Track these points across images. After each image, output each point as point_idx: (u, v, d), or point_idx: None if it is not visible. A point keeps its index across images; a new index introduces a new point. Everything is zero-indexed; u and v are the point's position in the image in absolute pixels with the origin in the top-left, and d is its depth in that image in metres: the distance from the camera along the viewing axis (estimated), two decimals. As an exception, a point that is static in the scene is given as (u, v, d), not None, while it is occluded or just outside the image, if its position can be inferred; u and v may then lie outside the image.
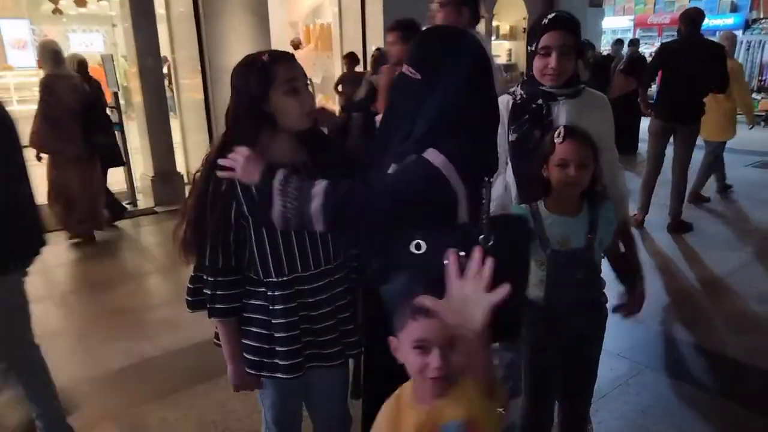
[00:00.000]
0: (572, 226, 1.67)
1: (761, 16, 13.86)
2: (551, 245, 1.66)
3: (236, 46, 5.75)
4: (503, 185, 1.93)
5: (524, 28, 8.87)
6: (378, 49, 5.85)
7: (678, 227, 4.68)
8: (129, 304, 3.61)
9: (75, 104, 4.35)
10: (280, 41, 8.66)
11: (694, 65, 4.40)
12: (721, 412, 2.42)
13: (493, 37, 8.65)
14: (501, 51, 9.14)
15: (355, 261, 1.55)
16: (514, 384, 2.00)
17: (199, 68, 5.85)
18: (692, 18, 4.52)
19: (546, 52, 1.73)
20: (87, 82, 4.69)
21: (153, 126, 5.64)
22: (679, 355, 2.92)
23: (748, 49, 10.80)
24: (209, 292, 1.41)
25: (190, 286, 1.47)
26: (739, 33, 11.02)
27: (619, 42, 8.98)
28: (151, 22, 5.45)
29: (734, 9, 12.66)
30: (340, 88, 6.42)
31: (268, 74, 1.32)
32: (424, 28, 1.74)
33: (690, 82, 4.42)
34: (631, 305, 1.83)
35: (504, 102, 1.88)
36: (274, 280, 1.41)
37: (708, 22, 5.40)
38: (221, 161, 1.30)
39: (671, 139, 4.67)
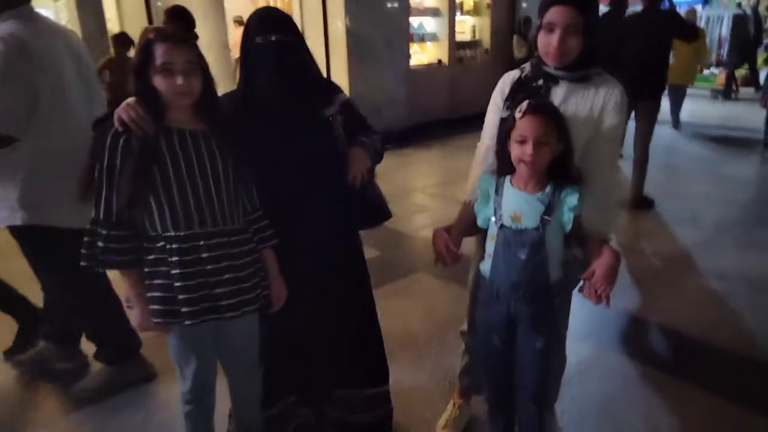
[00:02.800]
0: (528, 203, 1.61)
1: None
2: (502, 219, 1.62)
3: (188, 21, 5.49)
4: (490, 155, 1.81)
5: (488, 4, 8.73)
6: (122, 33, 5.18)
7: (640, 203, 4.69)
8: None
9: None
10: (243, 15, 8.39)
11: (647, 40, 4.38)
12: (687, 395, 2.38)
13: (457, 13, 8.49)
14: (465, 27, 8.97)
15: (258, 223, 1.69)
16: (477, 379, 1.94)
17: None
18: None
19: (550, 29, 1.61)
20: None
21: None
22: (644, 336, 2.90)
23: (707, 24, 10.92)
24: (101, 245, 1.51)
25: (86, 239, 1.53)
26: (698, 8, 11.13)
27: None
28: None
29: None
30: (106, 76, 4.82)
31: (148, 52, 1.45)
32: None
33: (645, 57, 4.40)
34: (596, 280, 1.55)
35: (510, 76, 1.80)
36: (171, 234, 1.52)
37: (670, -2, 5.50)
38: (118, 113, 1.47)
39: (632, 115, 4.65)
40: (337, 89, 1.90)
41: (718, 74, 10.68)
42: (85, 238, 1.53)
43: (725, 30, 10.70)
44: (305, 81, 1.75)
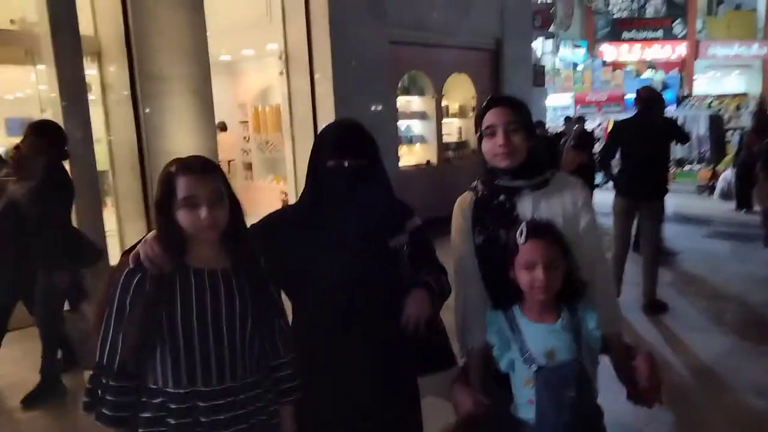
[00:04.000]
0: (555, 335, 1.48)
1: (689, 93, 14.82)
2: (536, 360, 1.48)
3: (178, 129, 5.42)
4: (472, 293, 1.68)
5: (473, 107, 8.97)
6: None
7: (654, 308, 4.45)
8: None
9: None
10: (229, 124, 8.46)
11: (649, 143, 4.36)
12: None
13: (444, 116, 8.67)
14: (451, 129, 9.17)
15: (281, 372, 1.51)
16: None
17: (137, 152, 5.45)
18: (642, 98, 4.52)
19: (491, 131, 1.61)
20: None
21: (84, 216, 5.11)
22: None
23: (683, 123, 11.30)
24: (100, 395, 1.36)
25: (88, 386, 1.40)
26: (672, 108, 11.60)
27: (569, 119, 9.19)
28: (83, 107, 5.07)
29: (665, 87, 13.42)
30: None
31: (170, 186, 1.35)
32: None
33: (648, 159, 4.35)
34: (645, 391, 1.59)
35: (466, 200, 1.69)
36: (171, 390, 1.36)
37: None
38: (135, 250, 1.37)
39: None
40: (410, 213, 1.72)
41: (699, 170, 10.92)
42: (87, 384, 1.40)
43: (702, 129, 11.07)
44: (376, 209, 1.58)
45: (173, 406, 1.35)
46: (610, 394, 1.60)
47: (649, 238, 4.52)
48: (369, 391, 1.57)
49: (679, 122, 10.84)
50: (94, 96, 5.72)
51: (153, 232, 1.40)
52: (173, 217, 1.35)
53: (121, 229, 6.10)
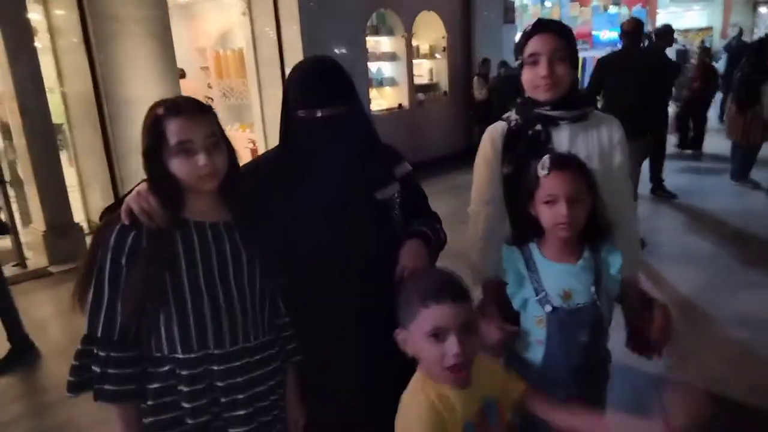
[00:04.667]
0: (574, 275, 1.41)
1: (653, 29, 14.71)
2: (551, 301, 1.41)
3: (137, 75, 5.08)
4: (492, 222, 1.62)
5: (443, 47, 8.73)
6: None
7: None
8: (16, 409, 2.84)
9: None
10: (188, 70, 8.01)
11: (636, 77, 4.28)
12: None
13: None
14: (422, 71, 8.92)
15: (285, 332, 1.41)
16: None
17: (95, 101, 5.11)
18: (627, 32, 4.48)
19: (534, 60, 1.50)
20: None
21: (41, 172, 4.82)
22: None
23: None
24: (98, 370, 1.20)
25: (75, 362, 1.23)
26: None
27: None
28: (31, 52, 4.67)
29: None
30: None
31: (159, 131, 1.18)
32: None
33: (634, 94, 4.26)
34: (657, 340, 1.51)
35: (498, 130, 1.61)
36: (181, 356, 1.23)
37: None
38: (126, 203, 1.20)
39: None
40: (398, 158, 1.57)
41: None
42: (73, 362, 1.23)
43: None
44: (360, 160, 1.42)
45: (184, 373, 1.24)
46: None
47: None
48: (365, 355, 1.46)
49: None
50: (40, 44, 5.29)
51: (143, 184, 1.24)
52: (165, 167, 1.20)
53: (82, 185, 5.82)
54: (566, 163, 1.39)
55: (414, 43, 8.40)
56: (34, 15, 5.25)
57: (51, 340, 3.57)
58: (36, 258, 4.90)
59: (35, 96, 4.68)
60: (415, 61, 8.47)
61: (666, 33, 5.39)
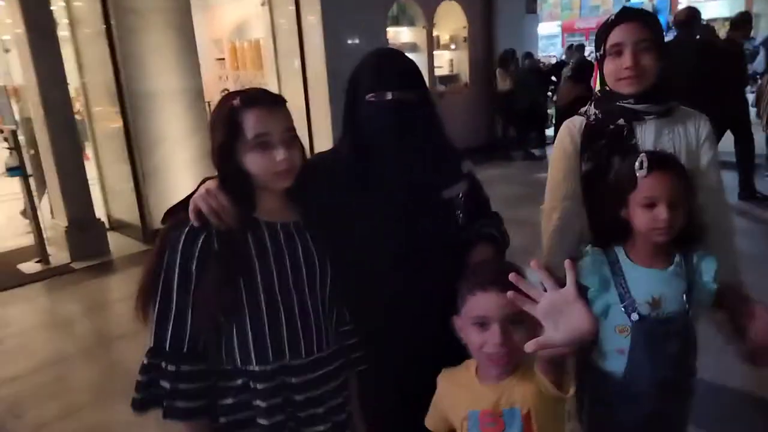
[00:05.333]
0: (664, 282, 1.31)
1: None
2: (638, 308, 1.32)
3: (159, 67, 4.99)
4: (567, 219, 1.53)
5: (464, 38, 8.56)
6: None
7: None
8: (46, 412, 2.76)
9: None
10: (202, 62, 7.92)
11: (698, 70, 4.11)
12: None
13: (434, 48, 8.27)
14: (442, 62, 8.77)
15: (350, 339, 1.34)
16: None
17: (116, 94, 5.02)
18: (679, 21, 4.28)
19: (618, 50, 1.41)
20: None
21: (63, 165, 4.74)
22: None
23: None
24: (168, 386, 1.11)
25: (140, 378, 1.13)
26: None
27: (571, 47, 8.86)
28: (54, 44, 4.59)
29: (655, 12, 13.09)
30: None
31: (234, 123, 1.11)
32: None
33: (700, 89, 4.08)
34: (762, 346, 1.29)
35: (576, 124, 1.52)
36: (256, 369, 1.15)
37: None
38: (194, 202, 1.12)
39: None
40: (461, 156, 1.48)
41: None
42: (139, 377, 1.14)
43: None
44: (431, 154, 1.33)
45: (260, 387, 1.15)
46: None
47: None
48: (432, 361, 1.35)
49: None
50: (61, 33, 5.21)
51: (212, 181, 1.16)
52: (239, 162, 1.12)
53: (102, 178, 5.76)
54: (667, 163, 1.30)
55: (434, 33, 8.25)
56: (55, 6, 5.17)
57: (78, 340, 3.49)
58: (58, 254, 4.84)
59: (58, 89, 4.61)
60: (435, 52, 8.32)
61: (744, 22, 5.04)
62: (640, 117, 1.45)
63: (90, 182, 5.11)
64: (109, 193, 5.75)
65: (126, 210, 5.42)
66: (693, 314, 1.34)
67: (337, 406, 1.25)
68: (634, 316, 1.32)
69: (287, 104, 1.18)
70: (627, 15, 1.43)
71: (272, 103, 1.14)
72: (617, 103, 1.46)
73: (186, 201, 1.15)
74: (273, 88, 6.80)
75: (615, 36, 1.42)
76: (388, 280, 1.35)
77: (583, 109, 1.56)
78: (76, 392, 2.92)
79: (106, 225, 5.29)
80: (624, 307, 1.33)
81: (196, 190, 1.16)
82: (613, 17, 1.45)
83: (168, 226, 1.16)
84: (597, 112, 1.51)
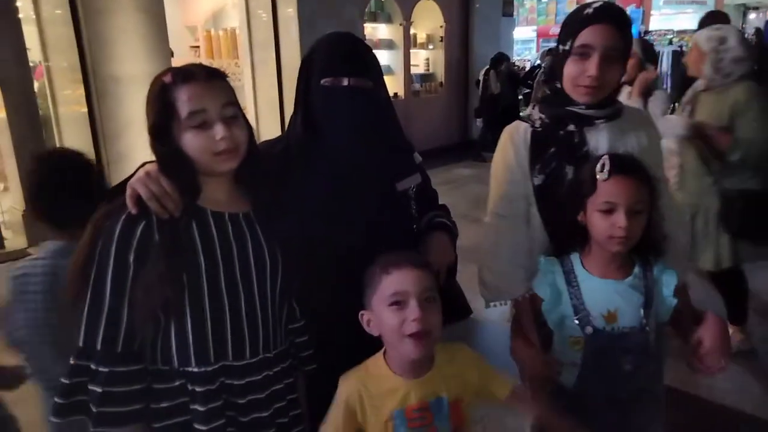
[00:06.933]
0: (621, 294, 1.25)
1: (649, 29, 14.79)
2: (592, 321, 1.23)
3: (127, 50, 4.84)
4: (511, 236, 1.44)
5: (441, 37, 8.56)
6: None
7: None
8: None
9: None
10: (176, 49, 7.75)
11: None
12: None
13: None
14: (418, 60, 8.75)
15: (300, 337, 1.25)
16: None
17: (80, 77, 4.85)
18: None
19: (583, 53, 1.27)
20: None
21: (22, 148, 4.56)
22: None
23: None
24: (99, 390, 0.99)
25: (65, 381, 1.01)
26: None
27: (549, 52, 8.91)
28: (15, 22, 4.40)
29: (629, 22, 13.30)
30: None
31: (167, 102, 1.02)
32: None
33: None
34: (710, 354, 1.23)
35: (519, 131, 1.39)
36: (195, 370, 1.05)
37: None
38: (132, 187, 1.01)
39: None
40: (412, 146, 1.43)
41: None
42: (64, 380, 1.01)
43: (665, 65, 11.04)
44: (385, 143, 1.29)
45: (198, 389, 1.05)
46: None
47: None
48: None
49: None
50: (22, 13, 5.01)
51: (153, 164, 1.05)
52: (176, 144, 1.02)
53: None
54: (629, 166, 1.22)
55: (412, 31, 8.23)
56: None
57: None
58: (15, 239, 4.65)
59: (18, 69, 4.42)
60: (412, 51, 8.31)
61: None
62: (590, 122, 1.34)
63: (52, 168, 4.92)
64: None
65: (88, 197, 5.24)
66: (650, 329, 1.27)
67: (282, 409, 1.16)
68: (588, 330, 1.26)
69: (226, 78, 1.09)
70: (605, 15, 1.27)
71: (208, 76, 1.03)
72: (566, 108, 1.34)
73: (123, 185, 1.04)
74: (248, 79, 6.73)
75: (586, 36, 1.27)
76: (341, 273, 1.26)
77: (525, 113, 1.45)
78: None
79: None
80: (578, 320, 1.27)
81: (134, 174, 1.05)
82: (590, 11, 1.28)
83: (101, 213, 1.04)
84: (543, 116, 1.39)
